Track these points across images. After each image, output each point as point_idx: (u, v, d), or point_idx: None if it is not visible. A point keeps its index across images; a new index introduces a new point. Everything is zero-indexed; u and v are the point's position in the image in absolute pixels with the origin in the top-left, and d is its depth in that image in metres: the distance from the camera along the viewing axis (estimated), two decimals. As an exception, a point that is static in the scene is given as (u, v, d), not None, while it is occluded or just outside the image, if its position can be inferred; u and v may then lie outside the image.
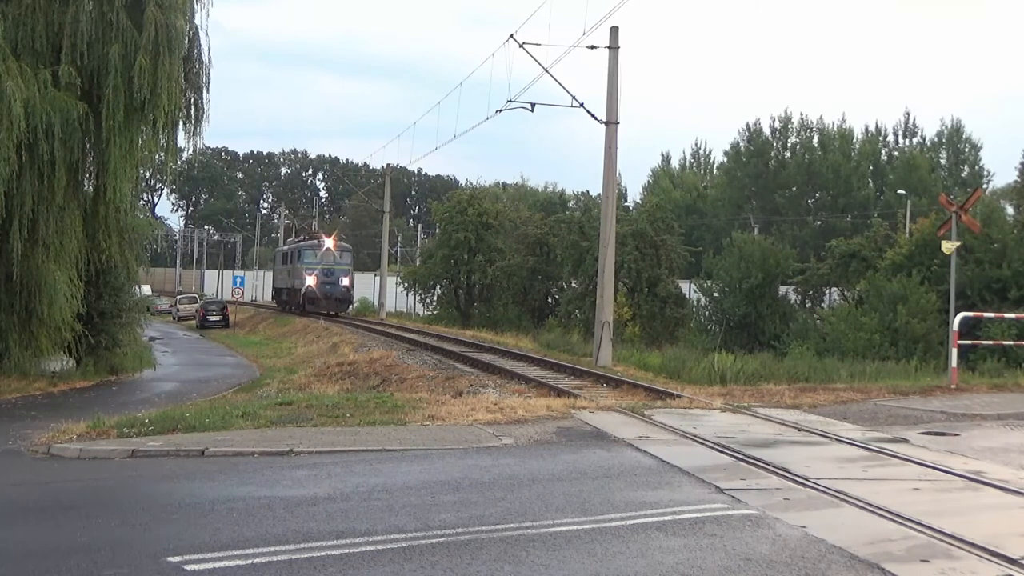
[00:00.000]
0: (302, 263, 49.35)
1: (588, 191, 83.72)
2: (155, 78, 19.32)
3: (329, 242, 49.63)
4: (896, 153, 70.86)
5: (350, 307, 51.98)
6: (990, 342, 22.03)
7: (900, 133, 72.38)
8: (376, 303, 54.05)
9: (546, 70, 24.46)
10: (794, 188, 68.68)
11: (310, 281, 48.05)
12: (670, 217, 41.87)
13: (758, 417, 12.66)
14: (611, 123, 24.19)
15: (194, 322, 56.86)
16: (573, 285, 41.08)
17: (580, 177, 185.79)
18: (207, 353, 38.38)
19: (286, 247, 59.52)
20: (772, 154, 69.63)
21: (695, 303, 39.75)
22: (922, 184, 60.84)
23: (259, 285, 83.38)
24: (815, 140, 69.63)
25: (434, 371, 21.60)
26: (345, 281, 49.38)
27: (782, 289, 37.21)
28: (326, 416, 12.27)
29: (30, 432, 11.81)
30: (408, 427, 11.50)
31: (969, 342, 19.81)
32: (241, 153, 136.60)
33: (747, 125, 71.44)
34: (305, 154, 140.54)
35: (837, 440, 10.89)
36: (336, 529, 6.87)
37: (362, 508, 7.52)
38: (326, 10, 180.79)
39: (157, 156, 22.40)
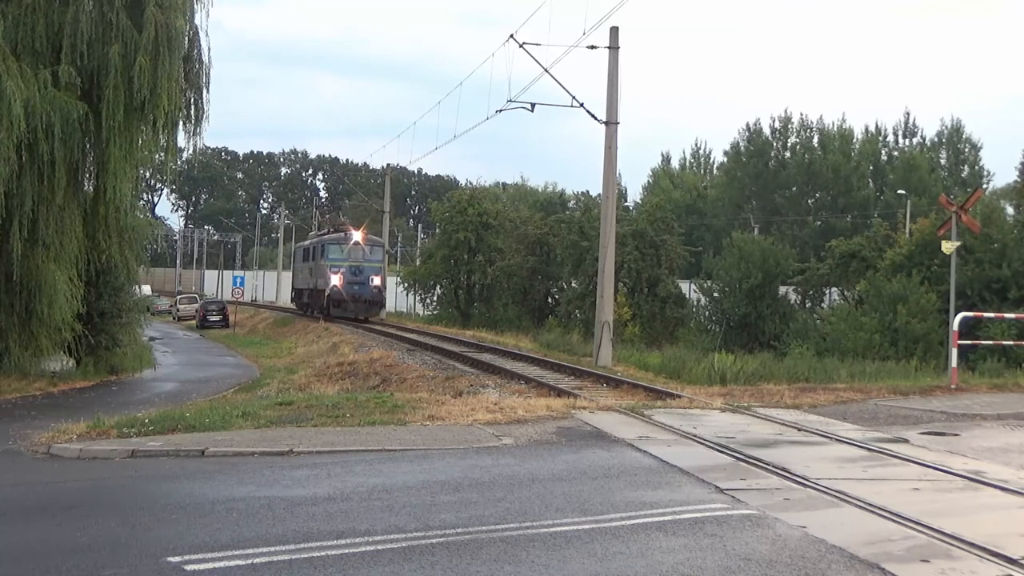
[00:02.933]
0: (326, 260, 43.06)
1: (588, 191, 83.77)
2: (155, 78, 19.30)
3: (357, 235, 43.57)
4: (896, 153, 70.83)
5: (382, 311, 45.99)
6: (990, 342, 22.02)
7: (900, 133, 72.41)
8: (376, 303, 53.88)
9: (546, 70, 24.51)
10: (794, 188, 68.67)
11: (335, 280, 41.97)
12: (670, 217, 41.87)
13: (758, 417, 12.66)
14: (611, 123, 24.20)
15: (194, 322, 56.87)
16: (573, 285, 41.07)
17: (580, 177, 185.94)
18: (207, 353, 38.37)
19: (307, 242, 52.61)
20: (772, 154, 69.62)
21: (695, 303, 39.74)
22: (922, 184, 60.82)
23: (259, 285, 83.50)
24: (815, 140, 69.62)
25: (434, 371, 21.59)
26: (376, 280, 43.07)
27: (782, 289, 37.19)
28: (326, 416, 12.27)
29: (30, 432, 11.80)
30: (408, 427, 11.50)
31: (969, 342, 19.80)
32: (241, 153, 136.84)
33: (747, 125, 71.52)
34: (305, 154, 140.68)
35: (837, 440, 10.89)
36: (336, 529, 6.87)
37: (362, 508, 7.52)
38: (326, 10, 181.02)
39: (157, 156, 22.40)
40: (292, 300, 55.26)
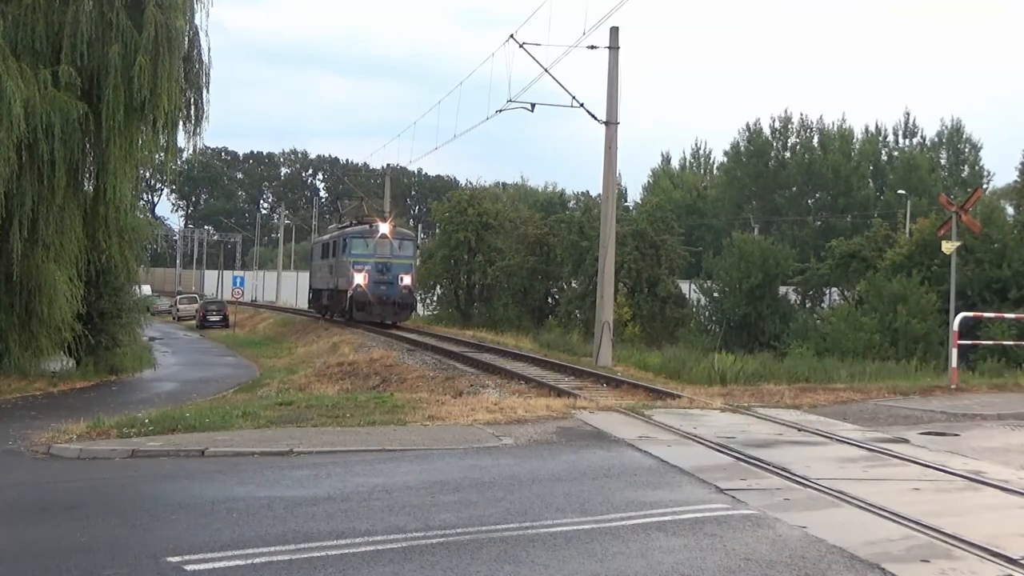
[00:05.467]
0: (349, 255, 37.54)
1: (588, 191, 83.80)
2: (155, 78, 19.31)
3: (385, 227, 37.77)
4: (896, 153, 70.90)
5: (412, 313, 40.72)
6: (990, 342, 22.02)
7: (900, 133, 72.53)
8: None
9: (546, 70, 24.51)
10: (794, 188, 68.71)
11: (359, 280, 36.61)
12: (670, 217, 41.90)
13: (758, 417, 12.66)
14: (611, 123, 24.21)
15: (194, 322, 56.90)
16: (573, 285, 41.07)
17: (580, 177, 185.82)
18: (207, 353, 38.38)
19: (327, 236, 46.24)
20: (772, 154, 69.64)
21: (695, 303, 39.75)
22: (922, 184, 60.87)
23: (259, 285, 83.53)
24: (815, 140, 69.66)
25: (434, 371, 21.59)
26: (406, 280, 37.44)
27: (782, 289, 37.20)
28: (326, 416, 12.27)
29: (30, 432, 11.81)
30: (408, 427, 11.51)
31: (969, 342, 19.80)
32: (241, 153, 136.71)
33: (747, 125, 71.52)
34: (305, 154, 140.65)
35: (837, 440, 10.89)
36: (336, 529, 6.87)
37: (362, 508, 7.52)
38: (327, 10, 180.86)
39: (157, 156, 22.39)
40: (309, 302, 49.83)
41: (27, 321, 20.34)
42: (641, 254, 37.33)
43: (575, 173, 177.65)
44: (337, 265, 39.79)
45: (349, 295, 37.20)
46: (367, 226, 38.72)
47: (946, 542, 6.60)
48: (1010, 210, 36.49)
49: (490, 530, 6.81)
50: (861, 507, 7.61)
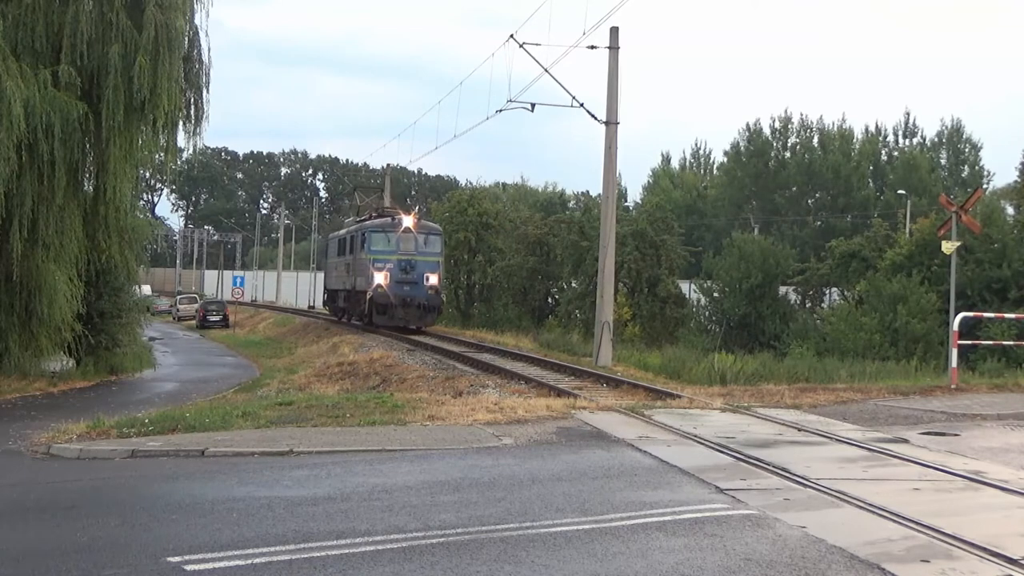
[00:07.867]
0: (368, 252, 33.52)
1: (588, 191, 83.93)
2: (155, 78, 19.33)
3: (408, 220, 33.86)
4: (896, 153, 70.94)
5: (439, 315, 36.72)
6: (990, 342, 22.04)
7: (900, 133, 72.59)
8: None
9: (546, 70, 24.49)
10: (794, 188, 68.73)
11: (379, 279, 32.61)
12: (670, 217, 41.89)
13: (758, 417, 12.66)
14: (611, 123, 24.20)
15: (194, 322, 56.92)
16: (573, 285, 41.06)
17: (580, 177, 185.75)
18: (207, 353, 38.39)
19: (344, 231, 41.42)
20: (772, 154, 69.66)
21: (695, 303, 39.78)
22: (922, 184, 60.89)
23: (259, 285, 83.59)
24: (815, 140, 69.69)
25: (434, 371, 21.58)
26: (433, 280, 33.33)
27: (782, 289, 37.24)
28: (326, 416, 12.28)
29: (30, 432, 11.82)
30: (408, 427, 11.51)
31: (969, 342, 19.81)
32: (241, 153, 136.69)
33: (747, 125, 71.58)
34: (305, 154, 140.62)
35: (837, 440, 10.89)
36: (336, 529, 6.87)
37: (362, 508, 7.52)
38: (327, 10, 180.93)
39: (157, 156, 22.42)
40: (324, 303, 46.34)
41: (27, 321, 20.35)
42: (641, 254, 37.31)
43: (575, 173, 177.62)
44: (355, 263, 35.89)
45: (368, 296, 33.38)
46: (389, 219, 34.73)
47: (946, 542, 6.60)
48: (1010, 210, 36.57)
49: (490, 530, 6.81)
50: (861, 507, 7.61)
